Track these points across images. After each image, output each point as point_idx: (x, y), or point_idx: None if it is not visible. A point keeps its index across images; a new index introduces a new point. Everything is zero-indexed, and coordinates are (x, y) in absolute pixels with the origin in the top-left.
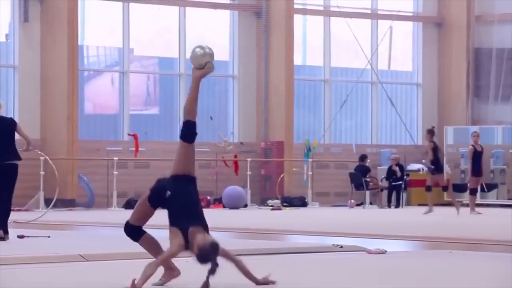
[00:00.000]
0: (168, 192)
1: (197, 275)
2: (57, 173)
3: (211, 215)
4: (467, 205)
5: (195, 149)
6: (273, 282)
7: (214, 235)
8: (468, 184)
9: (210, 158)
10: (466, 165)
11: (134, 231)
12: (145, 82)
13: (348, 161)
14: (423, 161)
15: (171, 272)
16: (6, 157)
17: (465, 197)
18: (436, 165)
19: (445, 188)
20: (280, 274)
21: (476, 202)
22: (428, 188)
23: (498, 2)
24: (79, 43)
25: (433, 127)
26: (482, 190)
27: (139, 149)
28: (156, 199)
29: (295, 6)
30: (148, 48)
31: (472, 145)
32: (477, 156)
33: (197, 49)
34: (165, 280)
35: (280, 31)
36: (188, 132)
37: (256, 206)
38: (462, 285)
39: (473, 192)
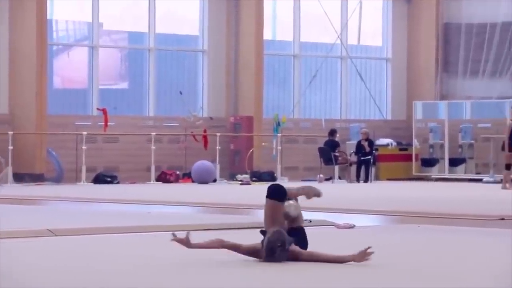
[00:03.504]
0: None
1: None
2: (26, 147)
3: (180, 189)
4: (436, 179)
5: (167, 124)
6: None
7: (185, 210)
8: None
9: (179, 133)
10: (434, 139)
11: None
12: (114, 57)
13: (317, 136)
14: None
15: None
16: None
17: (434, 171)
18: None
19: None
20: None
21: (444, 176)
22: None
23: None
24: (48, 17)
25: None
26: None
27: (108, 123)
28: None
29: None
30: (118, 23)
31: (511, 120)
32: None
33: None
34: None
35: (250, 5)
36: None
37: (225, 180)
38: (429, 259)
39: (508, 167)
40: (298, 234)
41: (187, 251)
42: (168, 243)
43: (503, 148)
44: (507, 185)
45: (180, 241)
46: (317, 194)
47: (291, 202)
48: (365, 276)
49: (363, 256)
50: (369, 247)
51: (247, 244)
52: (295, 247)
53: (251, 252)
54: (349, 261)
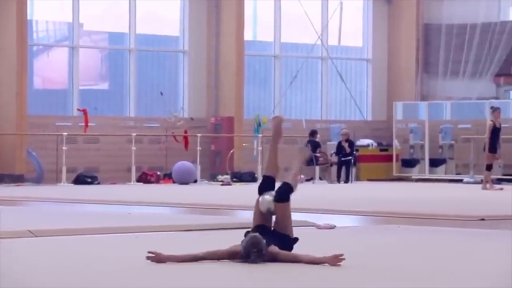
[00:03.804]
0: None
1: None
2: (6, 148)
3: (161, 190)
4: (417, 180)
5: (148, 125)
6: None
7: (166, 211)
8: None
9: (160, 134)
10: (415, 140)
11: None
12: (94, 57)
13: (298, 136)
14: None
15: None
16: None
17: (414, 172)
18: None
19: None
20: None
21: (424, 177)
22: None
23: None
24: (28, 17)
25: None
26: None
27: (89, 124)
28: None
29: None
30: (98, 23)
31: (492, 121)
32: (496, 133)
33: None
34: None
35: (231, 6)
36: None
37: (206, 181)
38: (409, 260)
39: (488, 168)
40: (283, 240)
41: (169, 251)
42: (149, 244)
43: (485, 149)
44: (487, 185)
45: (153, 259)
46: (278, 120)
47: None
48: (346, 277)
49: (334, 259)
50: (342, 254)
51: (225, 248)
52: (273, 248)
53: (230, 255)
54: (323, 263)
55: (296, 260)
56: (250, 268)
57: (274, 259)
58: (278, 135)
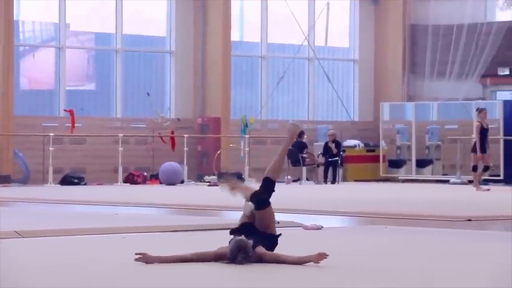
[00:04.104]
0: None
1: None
2: None
3: (147, 191)
4: (403, 181)
5: (135, 125)
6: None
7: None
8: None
9: (146, 134)
10: (401, 141)
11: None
12: (81, 58)
13: (285, 137)
14: None
15: None
16: None
17: (401, 173)
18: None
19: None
20: None
21: (411, 178)
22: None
23: None
24: (15, 18)
25: None
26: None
27: (75, 125)
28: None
29: None
30: (85, 23)
31: (479, 122)
32: (484, 134)
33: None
34: None
35: (218, 6)
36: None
37: (193, 182)
38: (395, 260)
39: (475, 169)
40: (269, 238)
41: (156, 252)
42: (136, 245)
43: (473, 150)
44: (476, 185)
45: (141, 260)
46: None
47: None
48: (332, 277)
49: (319, 257)
50: (325, 252)
51: (212, 250)
52: (260, 249)
53: (217, 257)
54: (308, 262)
55: (281, 260)
56: (237, 268)
57: (260, 259)
58: (292, 141)
